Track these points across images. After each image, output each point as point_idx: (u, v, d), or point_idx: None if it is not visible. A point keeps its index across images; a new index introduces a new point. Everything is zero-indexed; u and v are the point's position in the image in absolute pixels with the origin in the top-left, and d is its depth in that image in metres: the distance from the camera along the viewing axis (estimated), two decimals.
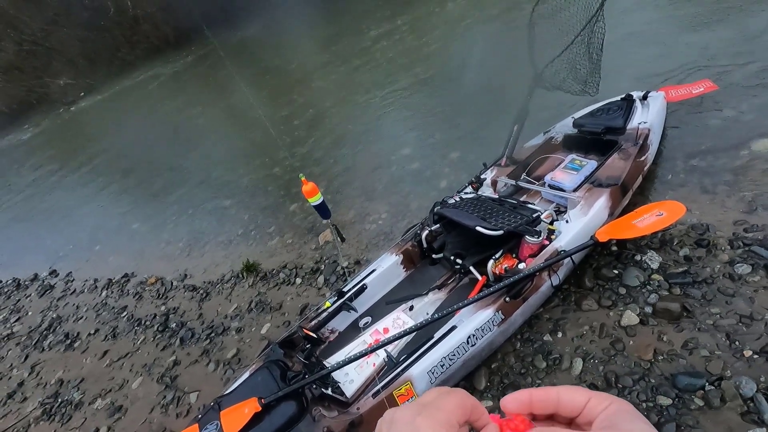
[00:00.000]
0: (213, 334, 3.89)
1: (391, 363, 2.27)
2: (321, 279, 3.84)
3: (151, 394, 3.62)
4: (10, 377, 4.88)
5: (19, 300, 6.60)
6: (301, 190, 2.98)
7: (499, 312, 2.33)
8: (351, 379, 2.42)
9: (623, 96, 3.38)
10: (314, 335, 2.65)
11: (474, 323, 2.27)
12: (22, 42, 21.59)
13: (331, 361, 2.55)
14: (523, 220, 2.59)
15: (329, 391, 2.27)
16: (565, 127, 3.56)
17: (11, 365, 5.09)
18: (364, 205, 4.66)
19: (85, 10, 20.97)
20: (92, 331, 4.92)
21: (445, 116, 5.55)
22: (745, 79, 3.59)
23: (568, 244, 2.43)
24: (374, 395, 2.11)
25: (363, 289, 2.90)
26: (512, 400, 0.46)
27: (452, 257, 2.83)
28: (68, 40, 21.65)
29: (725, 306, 2.21)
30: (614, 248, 2.79)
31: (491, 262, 2.60)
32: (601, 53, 2.65)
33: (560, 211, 2.85)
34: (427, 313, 2.75)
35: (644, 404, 2.01)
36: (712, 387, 1.93)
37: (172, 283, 5.01)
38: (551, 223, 2.65)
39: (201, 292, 4.57)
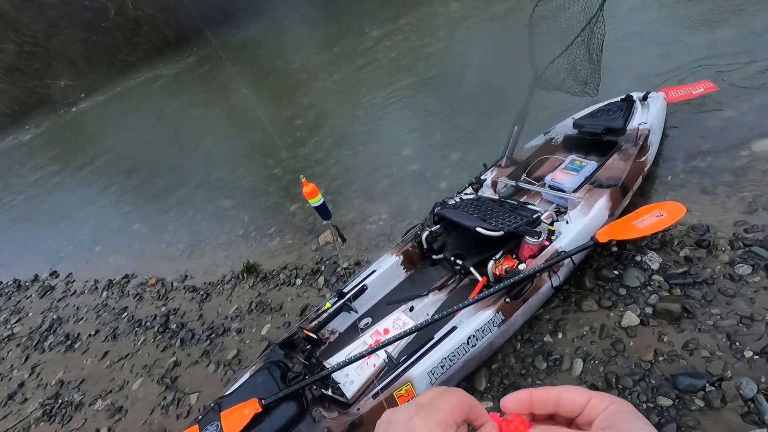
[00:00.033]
0: (213, 335, 3.89)
1: (391, 364, 2.27)
2: (321, 280, 3.85)
3: (152, 395, 3.61)
4: (11, 378, 4.88)
5: (19, 301, 6.61)
6: (301, 191, 2.99)
7: (500, 313, 2.33)
8: (351, 380, 2.42)
9: (623, 97, 3.38)
10: (314, 336, 2.65)
11: (474, 324, 2.27)
12: (23, 43, 21.64)
13: (331, 362, 2.55)
14: (524, 220, 2.59)
15: (329, 392, 2.27)
16: (565, 127, 3.56)
17: (12, 366, 5.10)
18: (365, 206, 4.66)
19: (85, 11, 21.03)
20: (93, 332, 4.92)
21: (445, 116, 5.56)
22: (745, 79, 3.59)
23: (569, 245, 2.43)
24: (374, 396, 2.10)
25: (363, 289, 2.90)
26: (512, 400, 0.46)
27: (452, 258, 2.83)
28: (69, 41, 21.70)
29: (726, 307, 2.21)
30: (614, 249, 2.79)
31: (491, 262, 2.59)
32: (601, 54, 2.66)
33: (560, 211, 2.85)
34: (428, 314, 2.75)
35: (645, 405, 2.00)
36: (713, 388, 1.93)
37: (172, 284, 5.01)
38: (551, 224, 2.65)
39: (201, 293, 4.57)
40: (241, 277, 4.46)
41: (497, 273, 2.58)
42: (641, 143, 2.97)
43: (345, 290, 2.90)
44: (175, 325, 4.28)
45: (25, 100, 22.72)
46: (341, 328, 2.91)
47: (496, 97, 5.28)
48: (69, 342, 4.99)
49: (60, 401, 4.12)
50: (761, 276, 2.25)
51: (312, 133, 6.90)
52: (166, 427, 3.25)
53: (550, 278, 2.49)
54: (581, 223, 2.56)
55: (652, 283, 2.48)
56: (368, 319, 2.90)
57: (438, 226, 3.04)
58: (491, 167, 3.49)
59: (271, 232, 5.04)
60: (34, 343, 5.32)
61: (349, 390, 2.37)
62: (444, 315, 2.08)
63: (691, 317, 2.24)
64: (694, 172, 3.09)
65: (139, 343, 4.34)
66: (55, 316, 5.68)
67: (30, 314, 6.09)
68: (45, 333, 5.42)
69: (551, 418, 0.46)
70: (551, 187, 2.96)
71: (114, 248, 6.65)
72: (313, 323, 2.77)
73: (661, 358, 2.14)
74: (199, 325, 4.13)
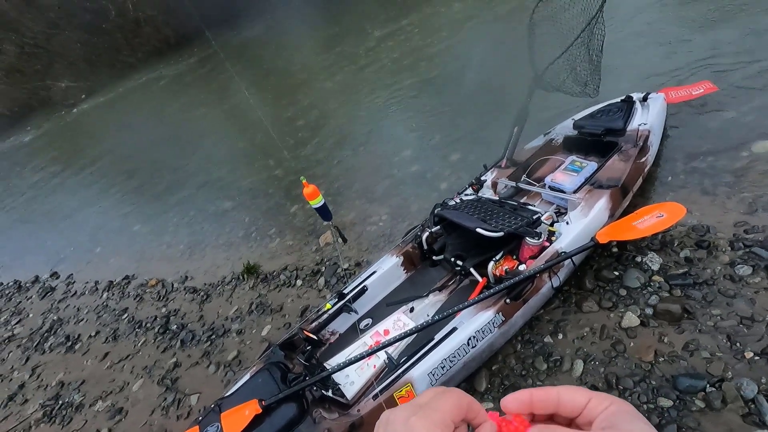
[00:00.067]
0: (214, 336, 3.89)
1: (391, 365, 2.27)
2: (321, 281, 3.85)
3: (152, 396, 3.61)
4: (11, 379, 4.88)
5: (20, 302, 6.61)
6: (302, 192, 3.00)
7: (500, 314, 2.33)
8: (351, 380, 2.42)
9: (623, 97, 3.38)
10: (315, 337, 2.65)
11: (474, 325, 2.27)
12: (24, 45, 21.68)
13: (331, 363, 2.55)
14: (524, 221, 2.59)
15: (330, 393, 2.27)
16: (565, 128, 3.56)
17: (12, 367, 5.10)
18: (365, 206, 4.67)
19: (86, 13, 21.05)
20: (93, 333, 4.93)
21: (446, 117, 5.57)
22: (745, 79, 3.59)
23: (569, 246, 2.43)
24: (375, 397, 2.10)
25: (363, 290, 2.90)
26: (512, 400, 0.46)
27: (453, 259, 2.83)
28: (70, 42, 21.74)
29: (726, 307, 2.20)
30: (615, 250, 2.79)
31: (492, 263, 2.59)
32: (601, 55, 2.66)
33: (560, 212, 2.85)
34: (428, 315, 2.75)
35: (645, 406, 2.00)
36: (713, 389, 1.93)
37: (172, 285, 5.02)
38: (551, 225, 2.65)
39: (202, 294, 4.58)
40: (241, 278, 4.46)
41: (497, 274, 2.58)
42: (641, 144, 2.97)
43: (345, 291, 2.90)
44: (175, 326, 4.28)
45: (25, 101, 22.76)
46: (341, 329, 2.91)
47: (497, 98, 5.29)
48: (69, 343, 4.99)
49: (60, 402, 4.12)
50: (761, 277, 2.25)
51: (313, 134, 6.91)
52: (167, 428, 3.25)
53: (551, 279, 2.49)
54: (581, 224, 2.56)
55: (652, 283, 2.48)
56: (368, 320, 2.90)
57: (438, 227, 3.04)
58: (491, 168, 3.50)
59: (272, 233, 5.04)
60: (34, 345, 5.32)
61: (350, 391, 2.37)
62: (444, 316, 2.08)
63: (691, 318, 2.24)
64: (694, 173, 3.09)
65: (139, 344, 4.34)
66: (55, 317, 5.68)
67: (30, 315, 6.09)
68: (45, 334, 5.42)
69: (551, 419, 0.46)
70: (551, 188, 2.96)
71: (114, 249, 6.65)
72: (314, 324, 2.77)
73: (661, 359, 2.14)
74: (199, 326, 4.13)
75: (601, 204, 2.62)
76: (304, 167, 6.03)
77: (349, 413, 2.10)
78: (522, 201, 3.07)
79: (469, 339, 2.25)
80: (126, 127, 13.70)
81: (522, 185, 3.15)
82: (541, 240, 2.51)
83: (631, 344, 2.27)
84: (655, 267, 2.55)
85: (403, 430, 0.40)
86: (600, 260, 2.78)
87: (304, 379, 2.25)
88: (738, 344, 2.04)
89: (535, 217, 2.64)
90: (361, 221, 4.46)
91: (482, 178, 3.40)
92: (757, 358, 1.96)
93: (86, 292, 5.89)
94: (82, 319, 5.34)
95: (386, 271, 2.99)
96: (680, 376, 2.02)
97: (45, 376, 4.66)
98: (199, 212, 6.38)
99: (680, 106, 3.55)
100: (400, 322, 2.73)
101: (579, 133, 3.37)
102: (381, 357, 2.43)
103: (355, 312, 2.90)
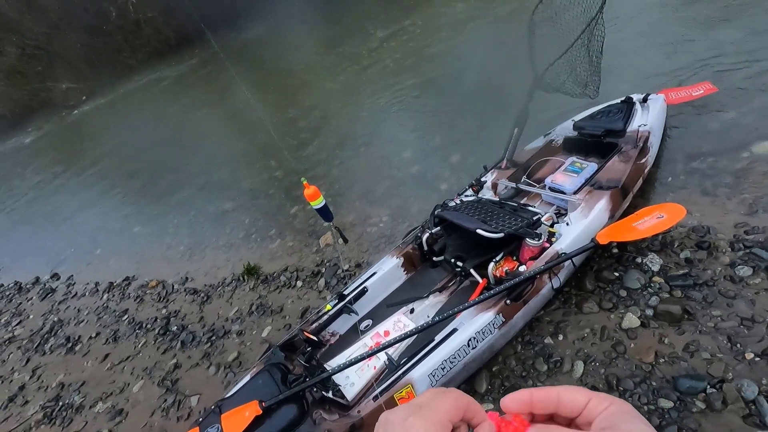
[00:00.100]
0: (214, 337, 3.89)
1: (391, 366, 2.27)
2: (322, 282, 3.85)
3: (152, 397, 3.61)
4: (12, 381, 4.88)
5: (20, 303, 6.61)
6: (302, 193, 3.00)
7: (500, 315, 2.33)
8: (352, 382, 2.42)
9: (623, 98, 3.38)
10: (315, 338, 2.65)
11: (475, 326, 2.27)
12: (25, 46, 21.71)
13: (331, 364, 2.55)
14: (524, 222, 2.60)
15: (330, 395, 2.27)
16: (565, 129, 3.56)
17: (13, 368, 5.10)
18: (365, 207, 4.67)
19: (87, 14, 21.08)
20: (93, 335, 4.93)
21: (446, 118, 5.57)
22: (745, 80, 3.59)
23: (569, 247, 2.43)
24: (375, 398, 2.10)
25: (364, 291, 2.90)
26: (512, 400, 0.46)
27: (453, 260, 2.83)
28: (70, 44, 21.76)
29: (726, 308, 2.20)
30: (615, 251, 2.79)
31: (492, 264, 2.59)
32: (601, 56, 2.67)
33: (561, 213, 2.86)
34: (428, 316, 2.75)
35: (645, 407, 2.00)
36: (714, 390, 1.93)
37: (173, 286, 5.02)
38: (552, 226, 2.65)
39: (202, 295, 4.58)
40: (241, 279, 4.46)
41: (498, 275, 2.58)
42: (641, 145, 2.97)
43: (345, 292, 2.90)
44: (175, 328, 4.28)
45: (26, 103, 22.77)
46: (342, 330, 2.91)
47: (497, 99, 5.29)
48: (70, 344, 4.99)
49: (60, 404, 4.12)
50: (762, 278, 2.25)
51: (314, 135, 6.90)
52: (167, 429, 3.25)
53: (551, 280, 2.49)
54: (581, 224, 2.56)
55: (652, 284, 2.48)
56: (369, 321, 2.90)
57: (438, 228, 3.04)
58: (491, 169, 3.50)
59: (272, 234, 5.04)
60: (34, 346, 5.32)
61: (350, 392, 2.37)
62: (444, 317, 2.08)
63: (691, 319, 2.23)
64: (695, 174, 3.09)
65: (139, 345, 4.34)
66: (55, 319, 5.68)
67: (31, 317, 6.09)
68: (46, 335, 5.42)
69: (551, 419, 0.46)
70: (551, 189, 2.96)
71: (115, 250, 6.65)
72: (314, 325, 2.77)
73: (661, 360, 2.14)
74: (199, 328, 4.13)
75: (601, 205, 2.62)
76: (305, 168, 6.04)
77: (350, 414, 2.10)
78: (522, 202, 3.07)
79: (470, 340, 2.25)
80: (127, 128, 13.70)
81: (522, 186, 3.15)
82: (541, 241, 2.51)
83: (632, 345, 2.27)
84: (656, 268, 2.55)
85: (402, 430, 0.40)
86: (600, 261, 2.77)
87: (304, 381, 2.26)
88: (738, 345, 2.04)
89: (535, 218, 2.64)
90: (362, 222, 4.46)
91: (482, 179, 3.40)
92: (757, 359, 1.96)
93: (87, 294, 5.89)
94: (82, 321, 5.34)
95: (386, 272, 2.99)
96: (681, 377, 2.02)
97: (45, 377, 4.66)
98: (199, 213, 6.38)
99: (680, 106, 3.55)
100: (400, 323, 2.73)
101: (579, 134, 3.38)
102: (381, 358, 2.43)
103: (356, 313, 2.90)
